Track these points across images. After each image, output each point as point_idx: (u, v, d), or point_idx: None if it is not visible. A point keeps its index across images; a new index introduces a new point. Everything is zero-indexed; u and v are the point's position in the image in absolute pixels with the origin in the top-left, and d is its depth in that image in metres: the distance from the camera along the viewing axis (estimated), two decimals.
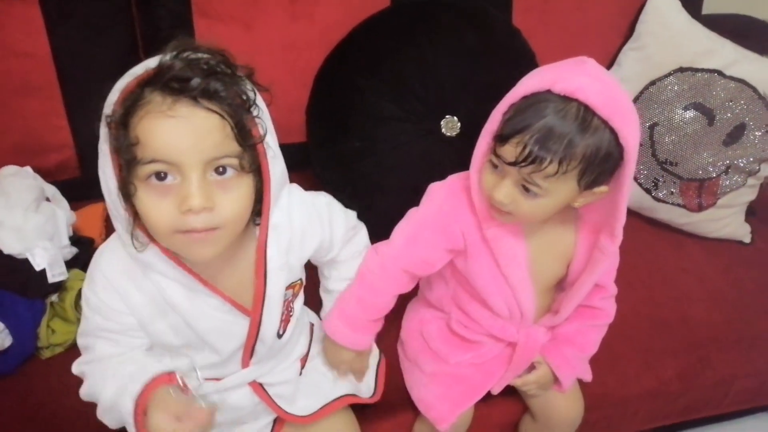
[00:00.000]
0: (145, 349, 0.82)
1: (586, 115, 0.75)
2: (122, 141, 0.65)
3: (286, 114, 1.33)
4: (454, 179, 0.95)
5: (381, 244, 0.97)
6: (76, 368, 0.82)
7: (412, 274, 0.96)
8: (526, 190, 0.80)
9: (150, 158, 0.64)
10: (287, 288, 0.84)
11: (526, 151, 0.75)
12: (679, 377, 1.17)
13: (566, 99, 0.75)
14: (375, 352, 1.06)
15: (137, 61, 0.69)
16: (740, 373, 1.21)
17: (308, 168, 1.35)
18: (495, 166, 0.82)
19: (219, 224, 0.69)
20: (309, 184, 1.33)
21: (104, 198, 0.71)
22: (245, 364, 0.86)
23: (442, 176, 0.98)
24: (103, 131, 0.67)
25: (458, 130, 1.21)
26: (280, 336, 0.86)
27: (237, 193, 0.69)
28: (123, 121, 0.65)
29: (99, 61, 1.22)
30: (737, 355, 1.22)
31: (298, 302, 0.90)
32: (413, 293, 1.12)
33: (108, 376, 0.77)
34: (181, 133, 0.64)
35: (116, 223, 0.72)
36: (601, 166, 0.78)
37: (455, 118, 1.21)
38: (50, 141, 1.25)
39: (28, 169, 1.18)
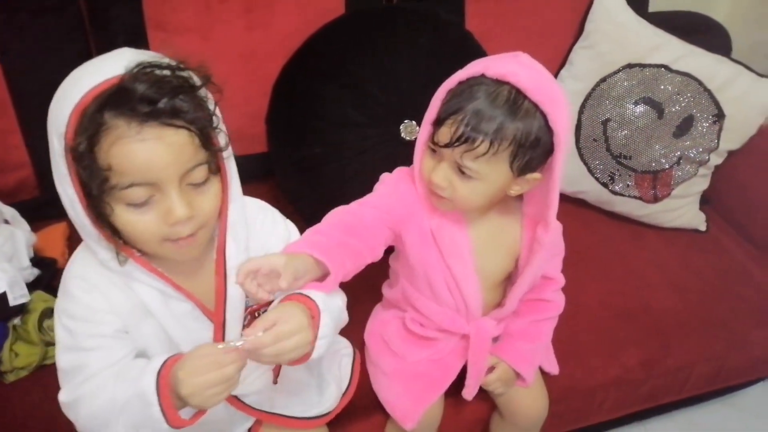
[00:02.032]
0: (133, 357, 0.78)
1: (517, 98, 0.79)
2: (93, 170, 0.64)
3: (246, 123, 1.35)
4: (403, 168, 0.97)
5: None
6: (67, 395, 0.76)
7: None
8: (462, 172, 0.83)
9: (128, 183, 0.64)
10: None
11: (459, 131, 0.79)
12: (642, 364, 1.21)
13: (499, 82, 0.79)
14: (349, 350, 1.07)
15: None
16: (700, 358, 1.25)
17: (270, 178, 1.35)
18: (434, 152, 0.86)
19: (201, 225, 0.71)
20: (271, 194, 1.36)
21: (68, 215, 0.69)
22: None
23: None
24: (57, 147, 0.65)
25: (417, 134, 1.23)
26: None
27: (211, 192, 0.72)
28: (89, 150, 0.63)
29: (54, 78, 1.18)
30: (697, 340, 1.26)
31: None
32: (379, 298, 1.13)
33: (116, 382, 0.72)
34: (156, 154, 0.64)
35: (87, 238, 0.72)
36: (532, 150, 0.81)
37: (414, 122, 1.23)
38: (7, 161, 1.23)
39: None
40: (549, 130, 0.81)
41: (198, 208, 0.69)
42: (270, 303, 0.86)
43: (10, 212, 1.16)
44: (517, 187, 0.87)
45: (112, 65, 0.64)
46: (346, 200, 1.23)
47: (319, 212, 1.28)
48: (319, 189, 1.26)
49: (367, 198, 0.93)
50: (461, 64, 0.85)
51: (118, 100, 0.62)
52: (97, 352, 0.75)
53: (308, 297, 0.76)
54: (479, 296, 0.98)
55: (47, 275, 1.09)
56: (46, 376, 0.81)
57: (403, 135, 1.24)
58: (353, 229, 0.87)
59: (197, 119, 0.67)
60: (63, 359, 0.76)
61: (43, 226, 1.20)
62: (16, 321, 1.04)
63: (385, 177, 0.97)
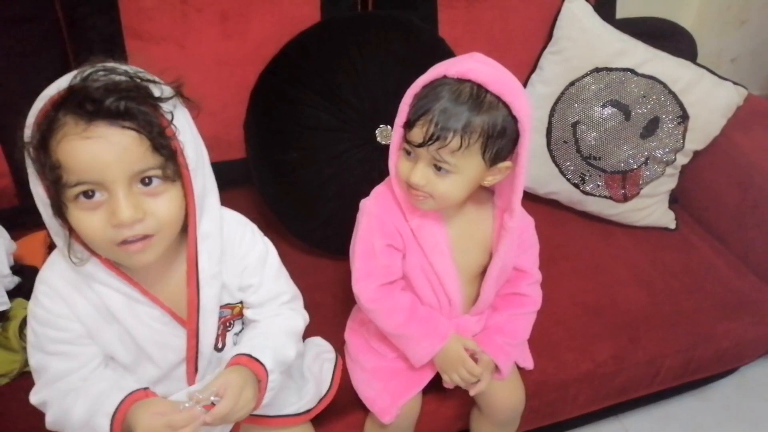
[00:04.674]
0: (101, 361, 0.81)
1: (479, 92, 0.84)
2: (44, 164, 0.66)
3: (224, 130, 1.37)
4: (378, 188, 1.01)
5: (353, 281, 1.00)
6: (35, 397, 0.79)
7: (390, 282, 1.00)
8: (438, 168, 0.87)
9: (75, 181, 0.66)
10: (225, 307, 0.85)
11: (431, 130, 0.84)
12: (613, 358, 1.24)
13: (460, 81, 0.84)
14: (332, 355, 1.09)
15: None
16: (668, 351, 1.29)
17: (248, 184, 1.37)
18: (408, 153, 0.90)
19: (154, 230, 0.71)
20: (250, 199, 1.38)
21: (42, 215, 0.72)
22: (191, 380, 0.86)
23: (381, 182, 1.02)
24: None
25: None
26: (219, 349, 0.87)
27: (166, 197, 0.72)
28: (42, 145, 0.66)
29: (31, 87, 1.18)
30: (665, 334, 1.29)
31: (239, 324, 0.90)
32: None
33: (77, 397, 0.76)
34: (100, 152, 0.65)
35: (56, 238, 0.73)
36: (500, 139, 0.86)
37: (389, 126, 1.26)
38: None
39: None
40: (513, 119, 0.85)
41: (149, 212, 0.70)
42: (241, 315, 0.89)
43: None
44: (490, 177, 0.91)
45: (70, 79, 0.67)
46: (323, 204, 1.27)
47: (296, 215, 1.32)
48: (296, 193, 1.29)
49: (366, 237, 0.98)
50: None
51: (70, 99, 0.65)
52: (58, 357, 0.78)
53: (257, 360, 0.81)
54: (460, 291, 1.01)
55: (28, 283, 1.09)
56: (26, 384, 0.82)
57: (378, 139, 1.27)
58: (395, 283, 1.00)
59: (149, 123, 0.67)
60: (32, 359, 0.80)
61: (23, 235, 1.20)
62: None
63: (365, 206, 1.00)
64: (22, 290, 1.09)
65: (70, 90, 0.66)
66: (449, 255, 0.99)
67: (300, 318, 0.93)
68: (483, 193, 0.99)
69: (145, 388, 0.80)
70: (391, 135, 1.25)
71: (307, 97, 1.26)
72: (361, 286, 0.98)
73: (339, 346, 1.13)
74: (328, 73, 1.27)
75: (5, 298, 1.05)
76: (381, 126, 1.27)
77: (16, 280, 1.10)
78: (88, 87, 0.65)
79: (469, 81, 0.84)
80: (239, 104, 1.35)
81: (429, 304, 1.02)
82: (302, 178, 1.27)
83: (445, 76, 0.85)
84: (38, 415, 0.81)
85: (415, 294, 1.02)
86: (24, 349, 1.03)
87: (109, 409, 0.74)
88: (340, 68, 1.26)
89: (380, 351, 1.07)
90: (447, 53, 1.36)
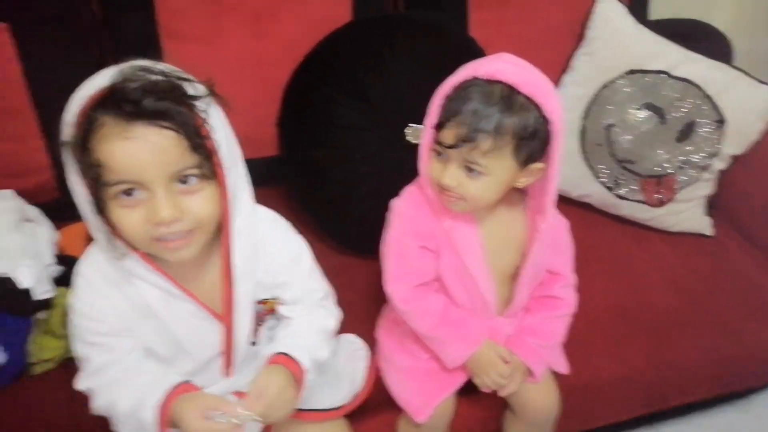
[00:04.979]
0: (141, 353, 0.82)
1: (510, 94, 0.83)
2: (85, 163, 0.68)
3: (255, 128, 1.38)
4: (408, 188, 1.01)
5: (385, 283, 1.00)
6: (81, 384, 0.82)
7: (423, 283, 1.00)
8: (470, 170, 0.87)
9: (115, 180, 0.68)
10: (259, 302, 0.87)
11: (462, 131, 0.83)
12: (648, 365, 1.22)
13: (490, 82, 0.83)
14: (364, 352, 1.09)
15: None
16: (706, 360, 1.26)
17: (278, 181, 1.38)
18: (439, 154, 0.89)
19: (192, 226, 0.73)
20: (280, 196, 1.39)
21: (80, 212, 0.74)
22: (226, 373, 0.88)
23: (413, 180, 1.02)
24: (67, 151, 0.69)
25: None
26: (253, 344, 0.89)
27: (203, 195, 0.73)
28: (82, 145, 0.67)
29: (72, 83, 1.23)
30: (701, 342, 1.26)
31: (272, 319, 0.92)
32: None
33: (120, 389, 0.79)
34: (140, 152, 0.67)
35: (95, 233, 0.75)
36: (532, 140, 0.85)
37: (419, 126, 1.26)
38: (28, 163, 1.27)
39: (8, 191, 1.19)
40: (545, 120, 0.85)
41: (187, 210, 0.71)
42: (274, 310, 0.90)
43: (33, 211, 1.19)
44: (523, 179, 0.91)
45: (110, 77, 0.68)
46: (356, 203, 1.27)
47: (329, 214, 1.32)
48: (328, 191, 1.30)
49: (399, 238, 0.98)
50: None
51: (109, 99, 0.67)
52: (98, 348, 0.80)
53: (294, 360, 0.82)
54: (494, 292, 1.00)
55: (71, 272, 1.11)
56: (69, 370, 0.85)
57: (408, 138, 1.27)
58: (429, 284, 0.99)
59: (186, 123, 0.68)
60: (76, 348, 0.82)
61: (64, 226, 1.23)
62: (42, 315, 1.07)
63: (395, 206, 1.00)
64: (67, 279, 1.11)
65: (110, 90, 0.67)
66: (482, 256, 0.98)
67: (332, 317, 0.94)
68: (515, 195, 0.99)
69: (186, 381, 0.81)
70: (421, 134, 1.26)
71: (339, 96, 1.27)
72: (395, 287, 0.98)
73: (371, 344, 1.13)
74: (358, 74, 1.28)
75: (49, 286, 1.07)
76: (411, 125, 1.27)
77: (61, 268, 1.12)
78: (126, 88, 0.66)
79: (499, 82, 0.83)
80: (271, 103, 1.37)
81: (463, 306, 1.01)
82: (335, 177, 1.28)
83: (474, 78, 0.85)
84: (80, 402, 0.84)
85: (448, 295, 1.01)
86: (67, 336, 1.05)
87: (153, 402, 0.77)
88: (371, 68, 1.27)
89: (414, 351, 1.06)
90: (478, 54, 1.35)
